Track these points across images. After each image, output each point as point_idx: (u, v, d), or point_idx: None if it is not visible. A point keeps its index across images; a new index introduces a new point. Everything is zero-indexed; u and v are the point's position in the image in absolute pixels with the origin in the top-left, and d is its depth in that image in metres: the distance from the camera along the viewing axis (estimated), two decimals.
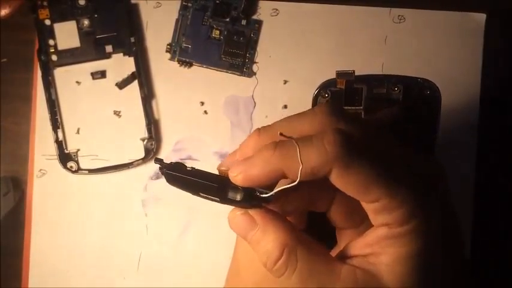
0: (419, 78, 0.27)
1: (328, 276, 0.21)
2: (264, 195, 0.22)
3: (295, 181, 0.21)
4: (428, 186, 0.22)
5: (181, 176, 0.23)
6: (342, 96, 0.27)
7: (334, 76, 0.28)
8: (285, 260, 0.22)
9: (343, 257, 0.23)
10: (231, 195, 0.22)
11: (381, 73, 0.26)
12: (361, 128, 0.22)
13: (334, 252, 0.26)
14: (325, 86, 0.28)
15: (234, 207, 0.23)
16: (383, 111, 0.26)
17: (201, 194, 0.23)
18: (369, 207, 0.21)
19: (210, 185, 0.22)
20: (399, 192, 0.21)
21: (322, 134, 0.21)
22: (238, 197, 0.22)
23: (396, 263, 0.21)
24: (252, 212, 0.23)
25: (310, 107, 0.32)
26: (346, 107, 0.27)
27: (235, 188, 0.22)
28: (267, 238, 0.22)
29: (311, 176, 0.21)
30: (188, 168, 0.23)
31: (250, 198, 0.22)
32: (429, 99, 0.27)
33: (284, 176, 0.22)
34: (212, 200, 0.23)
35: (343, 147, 0.20)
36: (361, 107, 0.27)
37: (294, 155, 0.21)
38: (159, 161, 0.24)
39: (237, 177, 0.22)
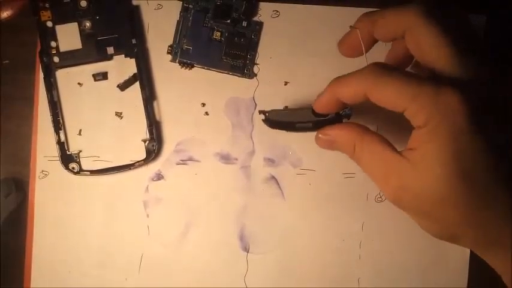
0: None
1: (386, 164, 0.28)
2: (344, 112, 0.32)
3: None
4: (439, 89, 0.26)
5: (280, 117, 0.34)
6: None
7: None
8: (356, 151, 0.30)
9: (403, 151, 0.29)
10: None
11: None
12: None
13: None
14: None
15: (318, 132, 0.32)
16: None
17: (297, 126, 0.33)
18: (406, 115, 0.27)
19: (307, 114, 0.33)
20: (418, 101, 0.26)
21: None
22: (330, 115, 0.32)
23: (426, 156, 0.26)
24: (333, 129, 0.32)
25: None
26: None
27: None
28: (342, 138, 0.31)
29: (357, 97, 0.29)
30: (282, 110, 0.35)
31: (337, 116, 0.32)
32: None
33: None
34: (307, 128, 0.33)
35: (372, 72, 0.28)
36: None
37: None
38: (262, 112, 0.34)
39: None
